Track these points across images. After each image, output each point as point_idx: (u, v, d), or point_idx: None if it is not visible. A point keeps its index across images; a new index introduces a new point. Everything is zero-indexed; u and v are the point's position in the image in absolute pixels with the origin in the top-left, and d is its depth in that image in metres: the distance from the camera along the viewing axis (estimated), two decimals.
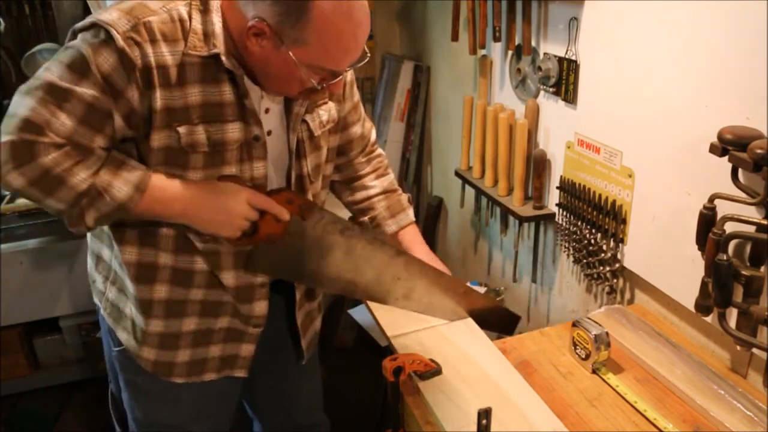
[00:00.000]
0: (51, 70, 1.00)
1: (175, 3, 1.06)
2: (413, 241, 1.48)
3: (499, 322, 1.53)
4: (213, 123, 1.09)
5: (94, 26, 1.02)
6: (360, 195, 1.49)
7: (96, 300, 1.31)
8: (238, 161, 1.15)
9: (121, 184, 1.04)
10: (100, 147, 1.04)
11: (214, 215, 1.13)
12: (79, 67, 1.00)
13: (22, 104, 0.99)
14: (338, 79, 1.11)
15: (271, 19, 1.01)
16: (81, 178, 1.01)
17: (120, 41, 1.00)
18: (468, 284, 1.50)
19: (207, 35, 1.06)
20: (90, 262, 1.32)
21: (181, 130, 1.07)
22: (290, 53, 1.03)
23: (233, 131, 1.11)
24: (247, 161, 1.16)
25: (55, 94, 0.99)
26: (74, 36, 1.05)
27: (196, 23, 1.06)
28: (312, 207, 1.23)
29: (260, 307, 1.26)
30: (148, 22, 1.02)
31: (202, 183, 1.13)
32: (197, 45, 1.05)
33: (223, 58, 1.06)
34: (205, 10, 1.07)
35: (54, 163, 0.99)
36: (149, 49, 1.02)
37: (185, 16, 1.06)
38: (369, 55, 1.11)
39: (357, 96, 1.41)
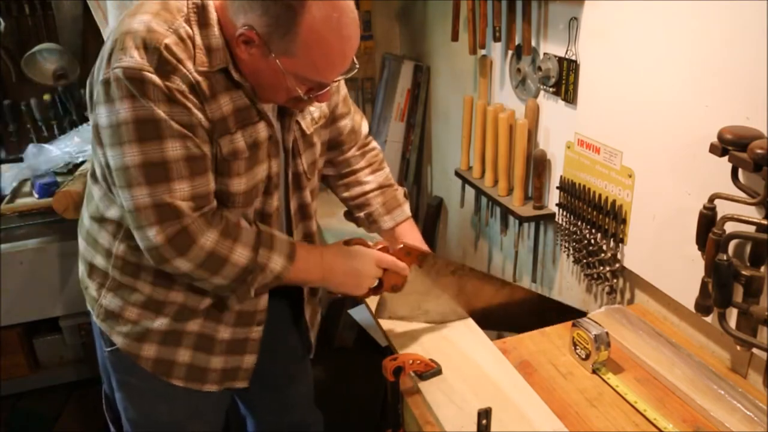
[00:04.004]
0: (128, 153, 1.01)
1: (176, 21, 1.04)
2: (409, 237, 1.47)
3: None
4: (247, 127, 1.12)
5: (124, 80, 0.99)
6: (355, 191, 1.48)
7: (89, 306, 1.30)
8: (267, 158, 1.17)
9: (276, 256, 1.12)
10: (213, 185, 1.09)
11: (348, 278, 1.23)
12: (149, 133, 1.01)
13: (135, 197, 1.02)
14: (325, 90, 1.11)
15: (260, 28, 1.01)
16: (240, 254, 1.09)
17: (158, 81, 0.99)
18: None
19: (210, 50, 1.06)
20: (81, 268, 1.30)
21: (222, 141, 1.09)
22: (278, 62, 1.03)
23: (262, 130, 1.14)
24: (274, 158, 1.18)
25: (154, 171, 1.02)
26: (106, 89, 1.01)
27: (198, 38, 1.05)
28: (427, 255, 1.35)
29: (264, 300, 1.28)
30: (167, 45, 1.01)
31: (336, 249, 1.24)
32: (204, 61, 1.05)
33: (232, 71, 1.07)
34: (204, 24, 1.06)
35: (214, 243, 1.07)
36: (182, 69, 1.02)
37: (190, 32, 1.05)
38: (358, 66, 1.12)
39: (344, 89, 1.42)
